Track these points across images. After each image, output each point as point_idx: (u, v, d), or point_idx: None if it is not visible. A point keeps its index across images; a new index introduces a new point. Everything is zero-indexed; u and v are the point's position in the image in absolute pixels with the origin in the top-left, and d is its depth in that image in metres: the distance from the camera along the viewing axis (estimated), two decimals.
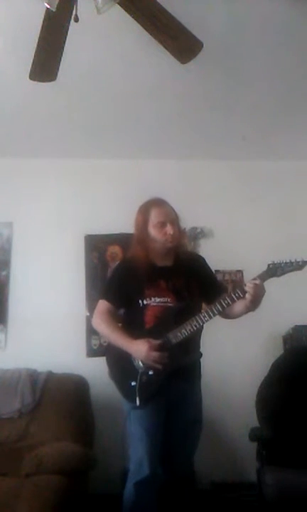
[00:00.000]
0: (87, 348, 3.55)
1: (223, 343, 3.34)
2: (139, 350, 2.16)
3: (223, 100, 3.20)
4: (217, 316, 2.25)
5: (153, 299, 2.27)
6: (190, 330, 2.19)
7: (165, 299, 2.27)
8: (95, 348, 3.54)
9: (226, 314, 2.30)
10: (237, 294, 2.17)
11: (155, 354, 2.14)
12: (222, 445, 3.40)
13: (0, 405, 3.01)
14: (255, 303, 2.18)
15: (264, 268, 2.20)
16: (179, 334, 2.19)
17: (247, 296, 2.14)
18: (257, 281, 2.15)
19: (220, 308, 2.19)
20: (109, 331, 2.32)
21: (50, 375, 3.19)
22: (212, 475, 3.22)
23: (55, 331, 3.52)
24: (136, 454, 2.16)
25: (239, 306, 2.22)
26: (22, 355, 3.37)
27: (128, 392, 2.21)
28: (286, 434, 2.77)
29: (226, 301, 2.18)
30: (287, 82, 3.02)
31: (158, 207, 2.38)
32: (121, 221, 3.07)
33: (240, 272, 3.68)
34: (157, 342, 2.16)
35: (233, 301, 2.18)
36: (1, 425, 2.93)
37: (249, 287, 2.14)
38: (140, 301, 2.28)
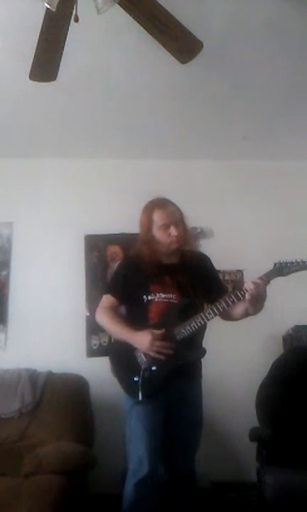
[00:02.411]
0: (87, 348, 3.55)
1: (223, 343, 3.32)
2: (142, 340, 2.16)
3: (223, 100, 3.20)
4: (218, 317, 2.25)
5: (157, 295, 2.28)
6: (194, 327, 2.19)
7: (170, 295, 2.28)
8: (95, 348, 3.54)
9: (228, 315, 2.30)
10: (242, 292, 2.17)
11: (158, 344, 2.14)
12: (222, 445, 3.40)
13: (0, 405, 3.01)
14: (255, 304, 2.17)
15: (266, 267, 2.20)
16: (183, 331, 2.19)
17: (247, 295, 2.13)
18: (258, 281, 2.14)
19: (225, 306, 2.18)
20: (112, 325, 2.33)
21: (50, 375, 3.19)
22: (212, 475, 3.21)
23: (55, 331, 3.52)
24: (136, 453, 2.16)
25: (240, 307, 2.22)
26: (22, 355, 3.37)
27: (131, 388, 2.21)
28: (286, 434, 2.78)
29: (231, 299, 2.17)
30: (287, 82, 3.02)
31: (160, 209, 2.36)
32: (121, 221, 3.09)
33: (240, 271, 3.68)
34: (160, 332, 2.16)
35: (238, 298, 2.17)
36: (1, 425, 2.93)
37: (248, 286, 2.12)
38: (144, 297, 2.29)
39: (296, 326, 3.44)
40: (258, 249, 3.52)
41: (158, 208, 2.37)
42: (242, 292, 2.15)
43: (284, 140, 3.71)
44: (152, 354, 2.16)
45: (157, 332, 2.16)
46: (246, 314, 2.26)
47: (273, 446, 2.71)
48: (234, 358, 3.49)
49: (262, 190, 3.93)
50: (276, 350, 3.38)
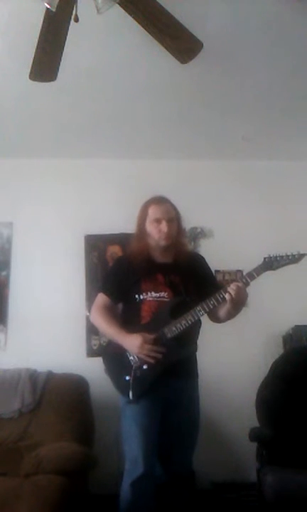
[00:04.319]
0: (87, 348, 3.56)
1: (223, 343, 3.34)
2: (133, 344, 2.17)
3: (223, 100, 3.20)
4: None
5: (149, 294, 2.29)
6: (185, 324, 2.19)
7: (162, 294, 2.29)
8: (95, 348, 3.54)
9: (215, 317, 2.32)
10: (221, 295, 2.17)
11: (148, 347, 2.15)
12: (222, 445, 3.40)
13: (0, 405, 3.01)
14: (236, 307, 2.18)
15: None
16: (174, 329, 2.19)
17: (227, 296, 2.13)
18: (240, 284, 2.14)
19: (215, 303, 2.18)
20: (105, 325, 2.34)
21: (50, 375, 3.19)
22: (212, 475, 3.22)
23: (55, 331, 3.52)
24: (132, 452, 2.16)
25: (223, 308, 2.23)
26: (22, 355, 3.37)
27: (122, 387, 2.22)
28: (286, 434, 2.77)
29: (221, 296, 2.16)
30: (287, 82, 3.02)
31: (156, 204, 2.39)
32: (121, 221, 3.08)
33: (240, 271, 3.66)
34: (151, 336, 2.17)
35: (218, 302, 2.17)
36: (1, 425, 2.93)
37: (231, 289, 2.13)
38: (136, 296, 2.30)
39: (296, 326, 3.43)
40: (258, 249, 3.48)
41: (154, 203, 2.40)
42: (221, 296, 2.16)
43: (284, 140, 3.71)
44: (142, 357, 2.17)
45: (148, 336, 2.17)
46: (229, 315, 2.27)
47: (273, 446, 2.70)
48: (234, 358, 3.49)
49: (262, 190, 3.93)
50: (276, 350, 3.38)
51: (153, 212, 2.37)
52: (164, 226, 2.33)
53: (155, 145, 3.75)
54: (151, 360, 2.16)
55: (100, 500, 2.69)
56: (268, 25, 2.52)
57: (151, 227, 2.36)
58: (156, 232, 2.34)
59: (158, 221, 2.34)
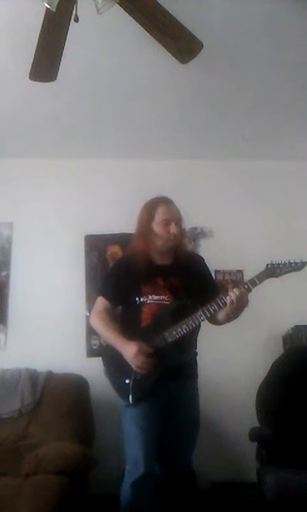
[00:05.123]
0: (87, 348, 3.56)
1: (223, 343, 3.33)
2: (128, 352, 2.17)
3: (223, 100, 3.20)
4: None
5: (149, 297, 2.28)
6: (186, 329, 2.18)
7: (162, 297, 2.28)
8: (95, 348, 3.54)
9: (214, 319, 2.30)
10: (223, 301, 2.16)
11: (141, 359, 2.14)
12: (222, 445, 3.40)
13: (0, 405, 3.01)
14: (236, 311, 2.18)
15: (263, 268, 2.20)
16: (175, 333, 2.18)
17: (228, 301, 2.12)
18: (242, 289, 2.13)
19: (216, 307, 2.18)
20: (105, 330, 2.33)
21: (50, 375, 3.19)
22: (212, 475, 3.22)
23: (55, 331, 3.52)
24: (132, 453, 2.17)
25: (223, 312, 2.22)
26: (22, 355, 3.37)
27: (122, 390, 2.22)
28: (286, 434, 2.77)
29: (222, 301, 2.16)
30: (287, 82, 3.02)
31: (165, 204, 2.39)
32: (121, 221, 3.09)
33: (240, 271, 3.68)
34: (149, 349, 2.16)
35: (219, 306, 2.17)
36: (1, 425, 2.93)
37: (233, 293, 2.12)
38: (137, 299, 2.29)
39: (296, 326, 3.44)
40: (258, 249, 3.52)
41: (162, 204, 2.39)
42: (223, 300, 2.16)
43: (284, 140, 3.71)
44: (133, 367, 2.16)
45: (145, 347, 2.16)
46: (228, 319, 2.26)
47: (273, 446, 2.71)
48: (234, 358, 3.49)
49: (262, 190, 3.93)
50: (276, 350, 3.38)
51: (162, 212, 2.36)
52: (174, 227, 2.33)
53: (155, 145, 3.75)
54: (142, 371, 2.15)
55: (100, 500, 2.69)
56: (269, 25, 2.52)
57: (158, 228, 2.34)
58: (165, 233, 2.33)
59: (167, 222, 2.34)
